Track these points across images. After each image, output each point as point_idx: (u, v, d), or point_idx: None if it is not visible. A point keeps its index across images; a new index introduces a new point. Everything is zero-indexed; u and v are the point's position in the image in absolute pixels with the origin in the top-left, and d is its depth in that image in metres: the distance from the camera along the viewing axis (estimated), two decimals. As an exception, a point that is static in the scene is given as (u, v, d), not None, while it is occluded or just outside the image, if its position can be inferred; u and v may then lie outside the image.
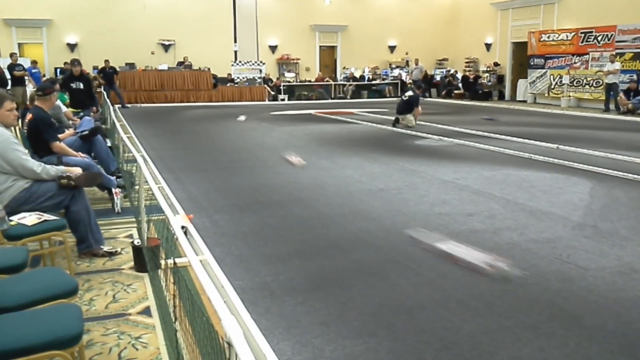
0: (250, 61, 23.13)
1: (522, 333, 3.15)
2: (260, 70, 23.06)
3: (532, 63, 21.74)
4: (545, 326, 3.23)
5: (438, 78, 26.01)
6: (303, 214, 5.70)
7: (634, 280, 3.94)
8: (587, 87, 19.54)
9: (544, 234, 5.00)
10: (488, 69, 24.44)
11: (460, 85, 24.67)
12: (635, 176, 7.41)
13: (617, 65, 17.58)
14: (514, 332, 3.16)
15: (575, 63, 20.02)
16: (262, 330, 3.05)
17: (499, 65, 24.16)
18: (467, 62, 25.75)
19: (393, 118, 13.75)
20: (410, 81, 22.87)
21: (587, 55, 19.56)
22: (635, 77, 17.64)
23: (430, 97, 24.49)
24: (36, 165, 4.25)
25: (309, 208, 5.96)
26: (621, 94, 17.25)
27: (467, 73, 24.96)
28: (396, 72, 26.04)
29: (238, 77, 22.60)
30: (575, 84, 19.95)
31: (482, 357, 2.90)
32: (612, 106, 17.70)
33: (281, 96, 23.02)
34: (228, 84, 22.42)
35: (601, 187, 6.89)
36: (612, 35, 18.66)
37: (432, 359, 2.89)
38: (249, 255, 4.46)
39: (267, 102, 22.12)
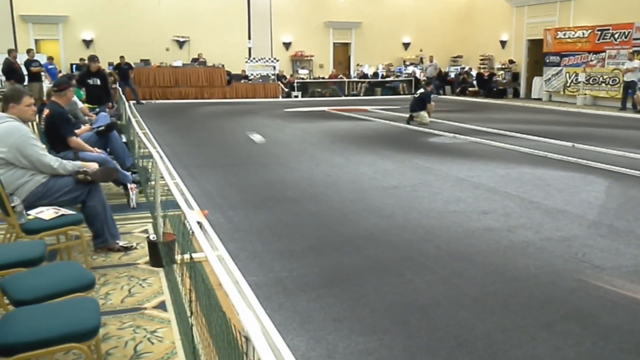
0: (264, 58, 23.17)
1: (537, 332, 3.13)
2: (274, 67, 23.09)
3: (547, 61, 21.56)
4: (561, 325, 3.22)
5: (452, 75, 25.90)
6: (317, 211, 5.71)
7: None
8: (603, 85, 19.36)
9: (559, 232, 4.97)
10: (503, 67, 24.30)
11: (474, 82, 24.54)
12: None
13: (636, 64, 17.39)
14: (528, 331, 3.15)
15: (591, 61, 19.83)
16: (277, 325, 3.07)
17: (514, 62, 24.01)
18: (481, 60, 25.61)
19: (407, 115, 13.72)
20: (424, 78, 22.79)
21: (604, 53, 19.37)
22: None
23: (444, 94, 24.40)
24: (53, 160, 4.29)
25: (323, 205, 5.96)
26: (638, 92, 17.07)
27: (482, 70, 24.82)
28: (410, 69, 25.95)
29: (252, 74, 22.65)
30: (591, 82, 19.76)
31: (497, 355, 2.89)
32: (629, 104, 17.53)
33: (295, 93, 23.05)
34: (242, 81, 22.48)
35: (617, 186, 6.83)
36: (629, 32, 18.45)
37: (446, 356, 2.89)
38: (263, 251, 4.48)
39: (280, 99, 22.15)
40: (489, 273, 4.02)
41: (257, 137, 11.09)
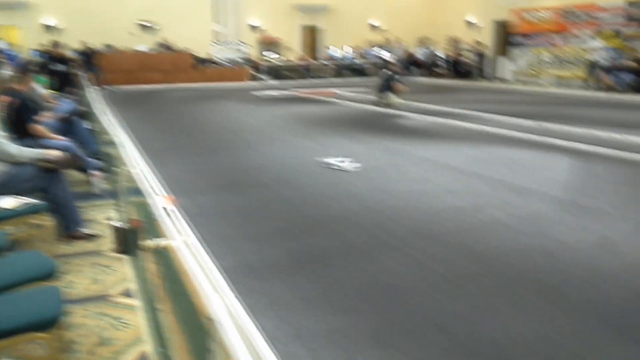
0: (232, 41, 22.91)
1: (508, 309, 3.17)
2: (242, 51, 22.85)
3: (514, 41, 21.77)
4: (531, 302, 3.26)
5: (420, 57, 25.96)
6: (287, 194, 5.68)
7: (613, 254, 3.99)
8: (568, 65, 19.64)
9: (526, 210, 5.04)
10: (470, 48, 24.44)
11: (442, 64, 24.65)
12: (615, 152, 7.50)
13: (600, 43, 17.68)
14: (500, 309, 3.18)
15: (556, 41, 20.08)
16: (245, 308, 3.05)
17: (481, 43, 24.17)
18: (449, 41, 25.71)
19: (375, 98, 13.75)
20: (392, 60, 22.82)
21: (569, 33, 19.62)
22: (615, 54, 17.75)
23: (412, 76, 24.47)
24: (14, 148, 4.19)
25: (293, 188, 5.94)
26: (601, 72, 17.38)
27: (449, 52, 24.94)
28: (379, 51, 25.93)
29: (219, 58, 22.39)
30: (556, 62, 20.03)
31: (470, 334, 2.92)
32: (593, 84, 17.83)
33: (263, 77, 22.87)
34: (209, 65, 22.20)
35: (582, 163, 6.95)
36: (593, 13, 18.71)
37: (416, 335, 2.91)
38: (233, 235, 4.44)
39: (248, 83, 21.96)
40: (458, 252, 4.05)
41: (345, 164, 6.79)
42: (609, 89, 16.83)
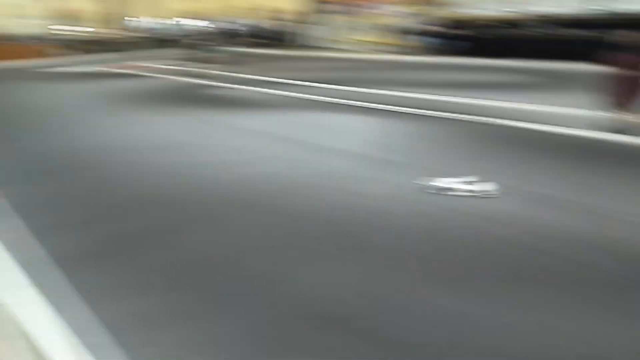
0: (28, 15, 21.02)
1: (319, 261, 3.33)
2: (40, 25, 21.07)
3: (326, 9, 22.41)
4: (336, 251, 3.46)
5: (235, 27, 25.82)
6: (96, 177, 5.38)
7: (405, 201, 4.36)
8: (377, 31, 20.69)
9: (332, 168, 5.30)
10: (282, 17, 24.75)
11: (257, 34, 24.73)
12: (414, 110, 8.17)
13: (406, 10, 18.83)
14: (310, 262, 3.32)
15: (367, 9, 21.00)
16: (44, 299, 2.90)
17: (293, 12, 24.58)
18: (263, 11, 25.83)
19: (190, 69, 13.54)
20: (207, 29, 22.49)
21: (373, 2, 20.62)
22: (418, 19, 19.04)
23: (227, 46, 24.29)
24: None
25: (102, 170, 5.64)
26: (409, 36, 18.56)
27: (263, 21, 25.07)
28: (188, 22, 25.39)
29: (14, 34, 20.43)
30: (367, 29, 21.01)
31: (286, 293, 2.98)
32: (400, 48, 18.98)
33: (67, 52, 21.28)
34: (3, 42, 20.13)
35: (385, 122, 7.48)
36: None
37: (227, 302, 2.93)
38: (33, 226, 4.13)
39: (50, 60, 20.29)
40: (273, 216, 4.13)
41: (476, 187, 4.64)
42: (417, 52, 18.04)
